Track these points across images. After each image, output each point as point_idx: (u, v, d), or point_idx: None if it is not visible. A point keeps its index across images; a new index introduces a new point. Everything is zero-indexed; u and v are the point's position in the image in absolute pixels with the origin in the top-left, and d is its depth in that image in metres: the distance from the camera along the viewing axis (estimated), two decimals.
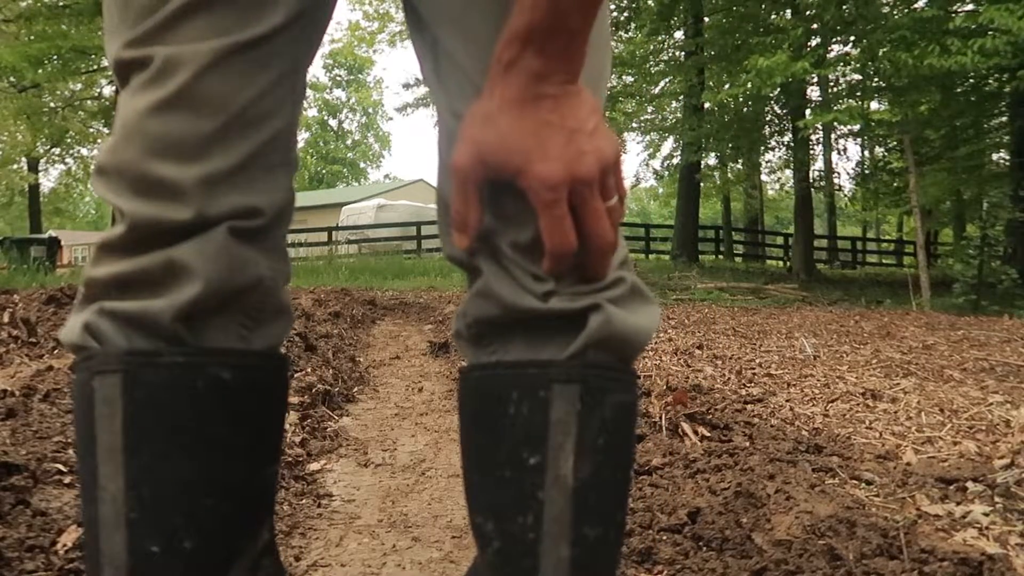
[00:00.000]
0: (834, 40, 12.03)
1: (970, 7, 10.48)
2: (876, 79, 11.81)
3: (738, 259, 21.36)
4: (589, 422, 0.58)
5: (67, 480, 1.37)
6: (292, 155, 0.66)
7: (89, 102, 20.88)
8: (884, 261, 25.14)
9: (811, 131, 12.80)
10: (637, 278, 0.64)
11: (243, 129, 0.60)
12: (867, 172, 18.59)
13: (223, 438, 0.59)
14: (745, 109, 15.16)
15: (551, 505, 0.58)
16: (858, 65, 11.59)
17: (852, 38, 11.59)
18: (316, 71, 49.82)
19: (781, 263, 20.40)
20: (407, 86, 18.12)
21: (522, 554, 0.58)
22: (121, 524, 0.56)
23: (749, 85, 10.59)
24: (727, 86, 12.83)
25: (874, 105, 14.79)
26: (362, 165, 51.55)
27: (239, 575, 0.60)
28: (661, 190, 29.80)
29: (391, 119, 69.05)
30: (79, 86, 20.27)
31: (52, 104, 20.13)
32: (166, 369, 0.57)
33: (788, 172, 18.22)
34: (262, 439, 0.64)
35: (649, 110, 17.89)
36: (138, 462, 0.56)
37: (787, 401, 2.75)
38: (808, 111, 13.91)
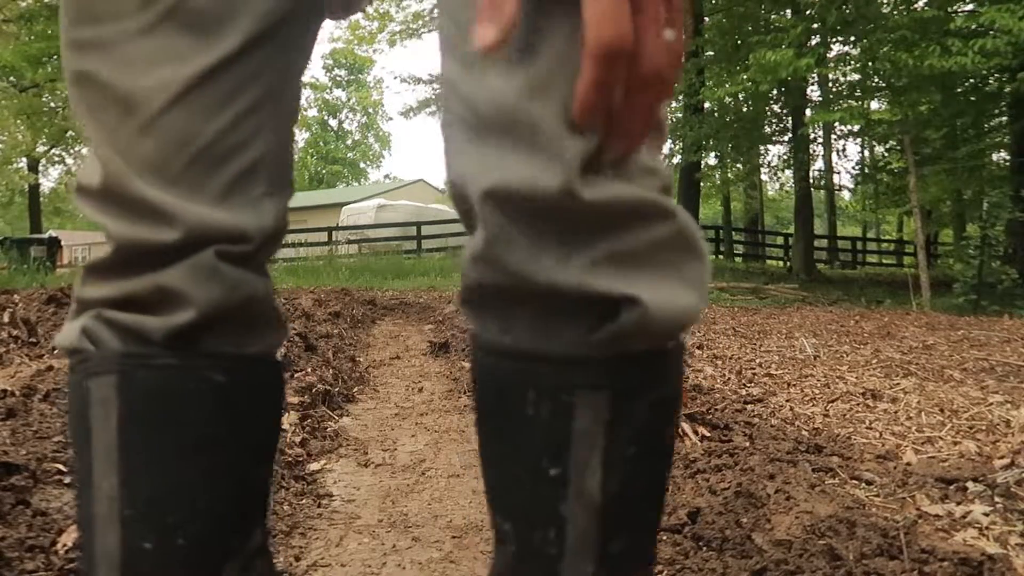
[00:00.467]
0: (834, 40, 12.04)
1: (970, 7, 10.48)
2: (876, 79, 11.82)
3: (738, 259, 21.35)
4: (620, 433, 0.50)
5: (67, 480, 1.37)
6: (281, 181, 0.63)
7: None
8: (884, 261, 25.13)
9: (811, 129, 12.79)
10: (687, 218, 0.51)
11: (212, 166, 0.58)
12: (867, 172, 18.60)
13: (216, 439, 0.59)
14: (745, 108, 15.16)
15: (575, 521, 0.52)
16: (858, 65, 11.60)
17: (852, 38, 11.60)
18: (316, 71, 49.75)
19: (781, 263, 20.40)
20: (404, 80, 18.07)
21: (542, 567, 0.54)
22: (115, 521, 0.56)
23: (748, 82, 10.59)
24: (727, 84, 12.84)
25: (874, 105, 14.81)
26: (362, 165, 51.54)
27: (230, 573, 0.60)
28: None
29: (391, 119, 69.04)
30: None
31: (52, 104, 20.13)
32: (160, 371, 0.57)
33: (788, 172, 18.21)
34: (255, 441, 0.64)
35: None
36: (133, 461, 0.56)
37: (787, 401, 2.75)
38: (808, 110, 13.92)
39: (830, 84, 13.93)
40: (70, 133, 21.57)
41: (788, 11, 13.07)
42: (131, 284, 0.58)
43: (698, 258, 0.50)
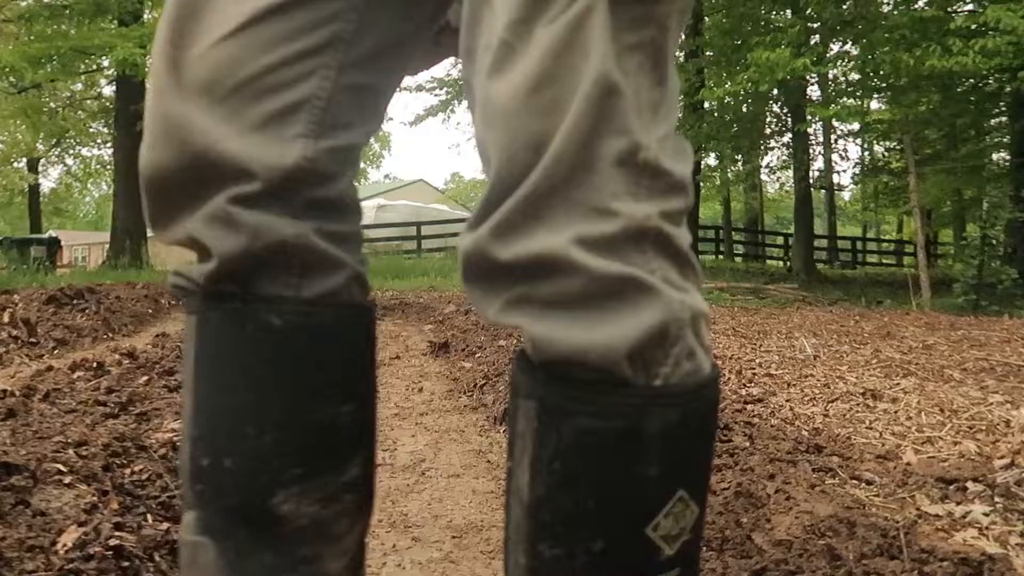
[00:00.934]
0: (835, 40, 12.03)
1: (970, 7, 10.47)
2: (875, 79, 11.81)
3: (738, 259, 21.35)
4: (545, 442, 0.55)
5: (67, 480, 1.36)
6: (329, 124, 0.65)
7: (89, 102, 20.88)
8: (884, 261, 25.13)
9: (811, 123, 12.76)
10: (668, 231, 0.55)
11: (253, 97, 0.62)
12: (867, 172, 18.59)
13: (268, 377, 0.65)
14: (744, 108, 15.15)
15: (513, 511, 0.58)
16: (858, 63, 11.59)
17: (852, 38, 11.59)
18: None
19: (781, 263, 20.40)
20: (404, 89, 18.02)
21: (504, 536, 0.60)
22: (188, 439, 0.66)
23: (748, 82, 10.58)
24: (727, 84, 12.84)
25: (874, 105, 14.81)
26: (362, 165, 51.33)
27: (302, 496, 0.65)
28: None
29: (391, 119, 69.06)
30: (79, 86, 20.25)
31: (52, 104, 20.12)
32: (226, 313, 0.64)
33: (788, 172, 18.21)
34: (318, 382, 0.67)
35: None
36: (201, 389, 0.66)
37: (787, 401, 2.75)
38: (808, 110, 13.91)
39: (830, 84, 13.92)
40: (70, 133, 21.55)
41: (788, 11, 13.06)
42: (173, 235, 0.65)
43: (618, 308, 0.52)
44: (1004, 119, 14.16)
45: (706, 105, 14.35)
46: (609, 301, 0.52)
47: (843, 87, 13.43)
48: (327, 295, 0.67)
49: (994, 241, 9.76)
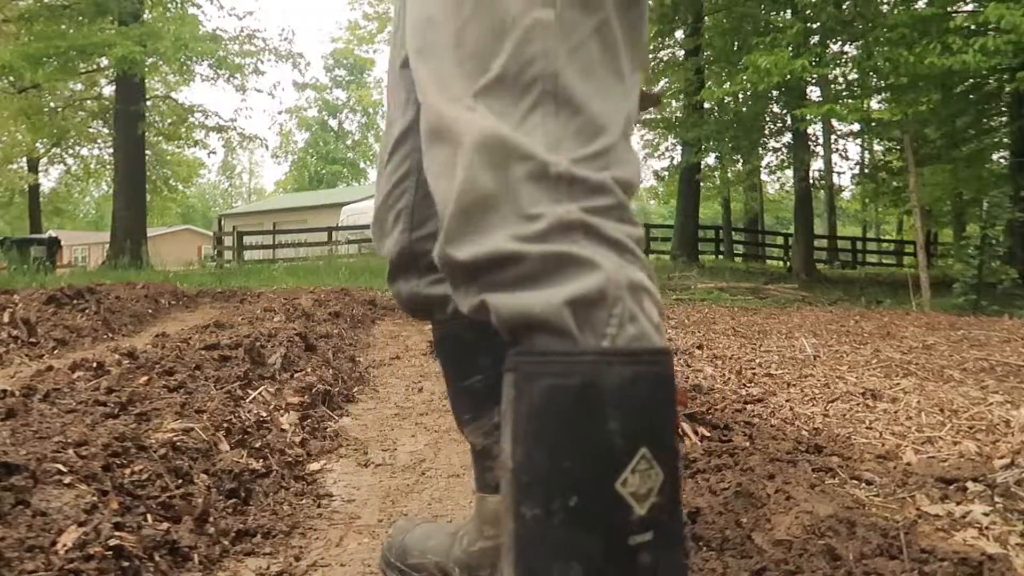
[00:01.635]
0: (835, 40, 12.01)
1: (970, 7, 10.46)
2: (875, 78, 11.79)
3: (738, 259, 21.35)
4: (520, 409, 0.62)
5: (67, 480, 1.36)
6: (419, 220, 1.00)
7: (89, 102, 20.86)
8: (884, 261, 25.12)
9: (810, 123, 12.72)
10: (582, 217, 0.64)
11: (387, 209, 1.02)
12: (867, 172, 18.57)
13: (441, 362, 1.12)
14: (744, 108, 15.14)
15: (503, 482, 0.65)
16: (857, 62, 11.57)
17: (851, 37, 11.58)
18: (316, 71, 49.78)
19: (781, 263, 20.39)
20: None
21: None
22: None
23: (747, 84, 10.57)
24: (727, 84, 12.82)
25: (874, 104, 14.79)
26: (362, 165, 51.46)
27: (474, 431, 1.08)
28: (661, 190, 29.77)
29: None
30: (79, 86, 20.23)
31: (52, 104, 20.11)
32: (440, 324, 1.08)
33: (788, 172, 18.19)
34: (456, 365, 1.08)
35: (650, 109, 17.85)
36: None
37: (787, 401, 2.75)
38: (799, 111, 13.90)
39: (830, 83, 13.90)
40: (70, 133, 21.53)
41: (788, 12, 13.05)
42: None
43: (558, 275, 0.62)
44: (1004, 119, 14.15)
45: (706, 105, 14.33)
46: (552, 272, 0.62)
47: (842, 88, 13.41)
48: (456, 313, 0.94)
49: (994, 241, 9.75)
